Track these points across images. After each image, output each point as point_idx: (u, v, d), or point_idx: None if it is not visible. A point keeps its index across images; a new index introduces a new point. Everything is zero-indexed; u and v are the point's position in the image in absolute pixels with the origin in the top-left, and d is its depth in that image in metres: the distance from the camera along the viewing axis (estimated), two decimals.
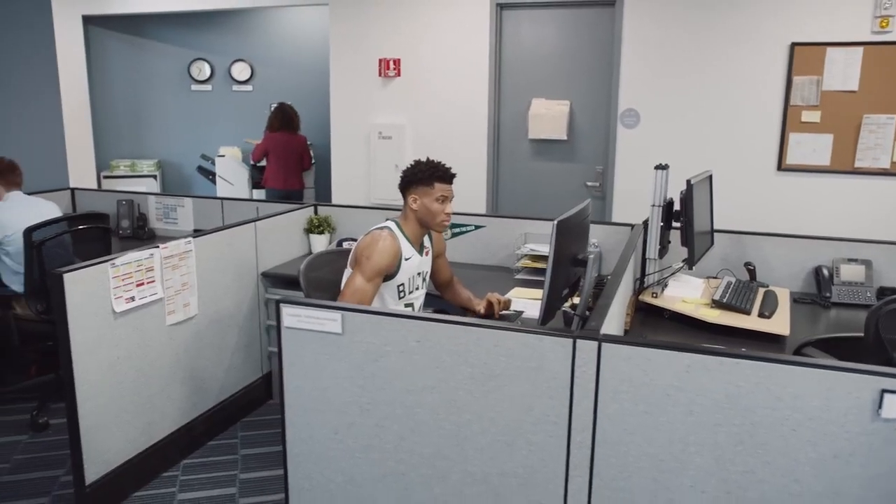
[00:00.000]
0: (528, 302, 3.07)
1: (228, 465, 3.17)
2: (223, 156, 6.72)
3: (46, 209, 3.66)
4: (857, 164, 4.48)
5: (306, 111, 7.19)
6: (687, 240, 2.81)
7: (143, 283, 2.87)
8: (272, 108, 5.83)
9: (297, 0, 5.77)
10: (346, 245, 3.95)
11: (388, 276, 2.68)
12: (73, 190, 4.78)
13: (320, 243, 4.01)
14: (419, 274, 2.82)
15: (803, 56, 4.47)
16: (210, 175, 6.55)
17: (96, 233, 3.67)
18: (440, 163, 2.78)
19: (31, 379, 3.83)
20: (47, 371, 3.81)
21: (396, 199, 5.34)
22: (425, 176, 2.73)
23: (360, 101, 5.56)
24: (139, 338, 2.89)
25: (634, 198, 4.89)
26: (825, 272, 3.20)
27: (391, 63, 5.41)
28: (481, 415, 2.02)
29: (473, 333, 1.98)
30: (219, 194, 6.36)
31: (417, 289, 2.83)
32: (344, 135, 5.67)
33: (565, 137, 5.10)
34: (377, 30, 5.41)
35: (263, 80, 7.14)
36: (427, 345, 2.03)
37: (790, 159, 4.60)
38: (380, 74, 5.46)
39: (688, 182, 2.80)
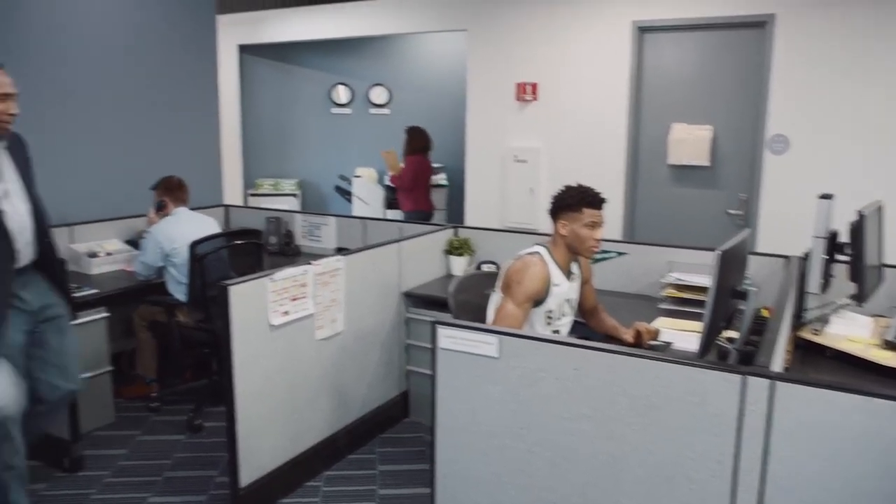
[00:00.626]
0: (675, 333, 2.97)
1: (368, 479, 3.24)
2: (360, 176, 6.98)
3: (208, 224, 3.92)
4: None
5: (440, 134, 7.35)
6: (856, 274, 2.63)
7: (296, 298, 3.00)
8: (408, 131, 5.97)
9: (435, 27, 5.92)
10: (485, 268, 3.99)
11: (538, 301, 2.67)
12: (226, 207, 5.11)
13: (460, 265, 4.06)
14: (567, 300, 2.79)
15: None
16: (347, 195, 6.81)
17: (250, 248, 3.89)
18: (590, 188, 2.75)
19: (187, 383, 4.08)
20: (202, 376, 4.05)
21: (530, 222, 5.39)
22: (575, 201, 2.71)
23: (496, 124, 5.62)
24: (291, 351, 3.02)
25: (782, 227, 4.65)
26: None
27: (528, 87, 5.44)
28: (639, 447, 1.96)
29: (634, 363, 1.94)
30: (354, 213, 6.59)
31: (565, 315, 2.80)
32: (479, 158, 5.75)
33: (707, 163, 4.93)
34: (515, 54, 5.46)
35: (400, 104, 7.37)
36: (585, 372, 2.00)
37: None
38: (517, 98, 5.50)
39: (859, 213, 2.62)
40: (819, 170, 4.54)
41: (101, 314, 3.58)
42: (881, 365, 2.53)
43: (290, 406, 3.05)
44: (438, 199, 6.97)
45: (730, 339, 2.55)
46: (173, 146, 4.83)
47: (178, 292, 3.74)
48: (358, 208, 6.78)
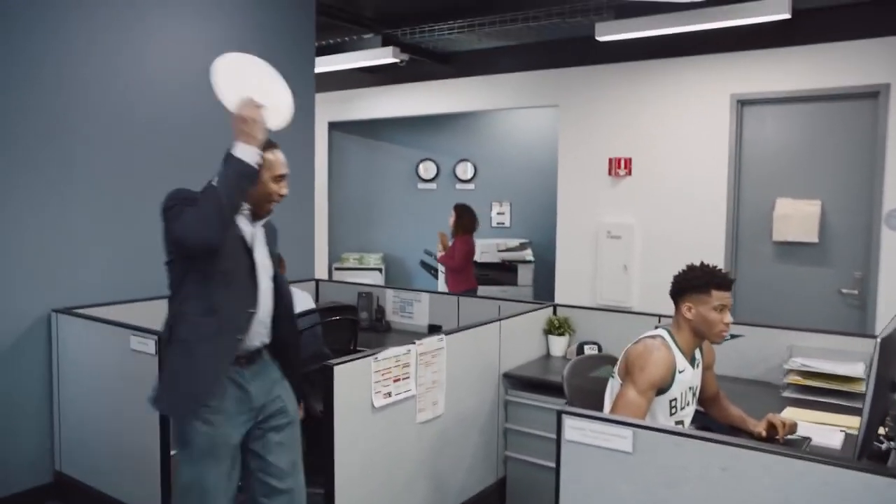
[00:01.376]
0: (810, 426, 2.70)
1: None
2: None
3: (302, 299, 3.88)
4: None
5: (526, 208, 7.31)
6: None
7: (398, 379, 2.89)
8: (457, 209, 5.69)
9: (527, 102, 5.93)
10: (587, 349, 3.80)
11: (661, 389, 2.47)
12: (316, 281, 5.11)
13: (560, 346, 3.89)
14: (690, 388, 2.58)
15: None
16: (432, 270, 6.76)
17: (345, 324, 3.83)
18: (717, 268, 2.57)
19: None
20: None
21: (624, 300, 5.18)
22: (701, 283, 2.52)
23: (588, 199, 5.52)
24: (391, 433, 2.89)
25: None
26: None
27: (622, 162, 5.34)
28: None
29: (796, 466, 1.72)
30: (439, 289, 6.52)
31: (689, 404, 2.59)
32: (570, 233, 5.63)
33: (816, 240, 4.67)
34: (607, 129, 5.40)
35: (485, 179, 7.37)
36: (735, 473, 1.79)
37: None
38: (609, 173, 5.41)
39: None
40: None
41: None
42: None
43: (388, 490, 2.89)
44: (524, 275, 6.86)
45: (887, 436, 2.29)
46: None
47: None
48: (443, 285, 6.71)
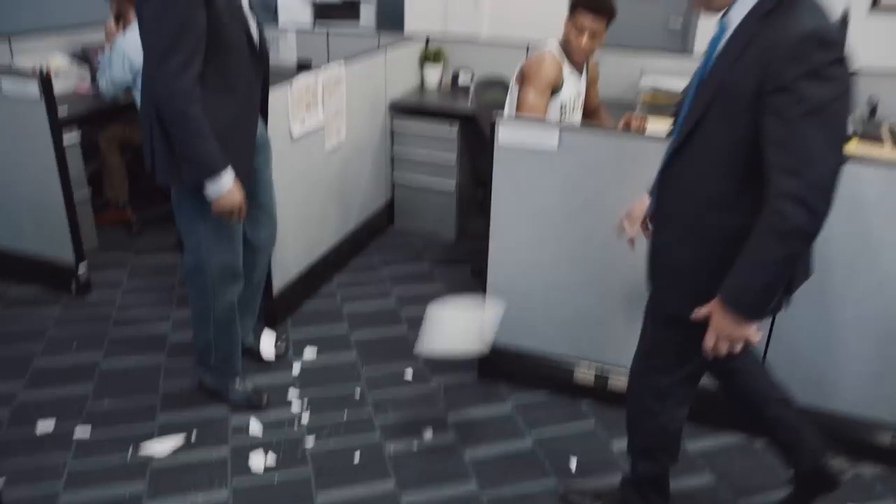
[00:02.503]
0: (659, 126, 3.23)
1: (377, 280, 3.45)
2: None
3: None
4: None
5: None
6: None
7: (309, 108, 2.99)
8: None
9: None
10: (461, 78, 4.04)
11: (554, 90, 2.81)
12: None
13: (434, 75, 4.09)
14: (578, 95, 2.95)
15: None
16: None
17: None
18: None
19: (161, 203, 4.00)
20: None
21: (474, 33, 5.35)
22: (573, 3, 2.74)
23: None
24: (307, 162, 3.05)
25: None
26: None
27: None
28: None
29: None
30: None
31: (575, 110, 2.97)
32: None
33: None
34: None
35: None
36: (639, 162, 2.21)
37: None
38: None
39: (844, 17, 2.89)
40: None
41: (74, 136, 3.40)
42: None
43: (305, 216, 3.13)
44: (367, 14, 6.73)
45: None
46: None
47: None
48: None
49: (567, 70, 2.85)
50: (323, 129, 3.12)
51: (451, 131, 3.67)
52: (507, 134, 2.34)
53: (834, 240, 2.08)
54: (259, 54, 2.19)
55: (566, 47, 2.84)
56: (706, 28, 4.87)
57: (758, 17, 1.44)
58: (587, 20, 2.70)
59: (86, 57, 4.02)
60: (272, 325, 2.95)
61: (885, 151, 2.94)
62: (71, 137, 3.36)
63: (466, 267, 3.58)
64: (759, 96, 1.40)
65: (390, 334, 3.02)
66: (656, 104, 3.62)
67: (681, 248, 1.63)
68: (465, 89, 4.00)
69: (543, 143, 2.31)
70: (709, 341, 1.55)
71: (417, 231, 3.97)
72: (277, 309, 3.02)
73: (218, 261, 2.28)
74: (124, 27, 3.56)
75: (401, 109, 3.79)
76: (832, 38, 1.35)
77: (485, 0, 5.42)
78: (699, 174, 1.56)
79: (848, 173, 1.82)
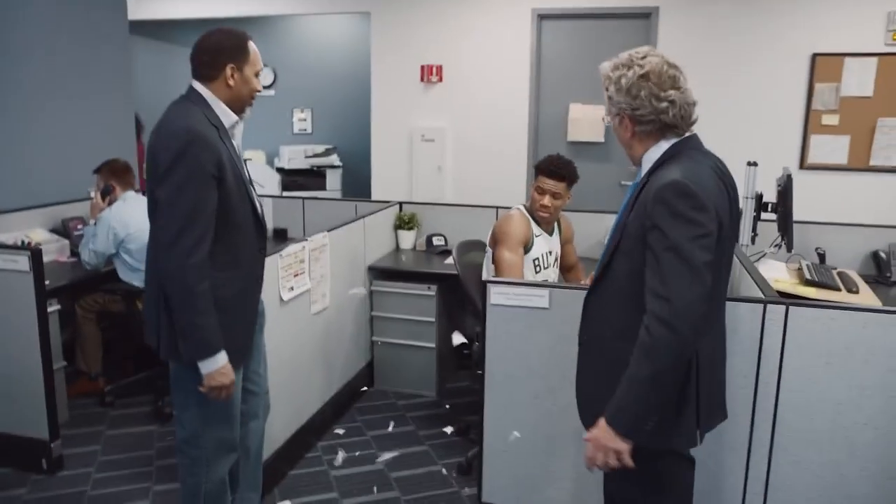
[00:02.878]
0: None
1: (363, 445, 3.39)
2: (249, 159, 6.85)
3: None
4: (872, 163, 5.01)
5: (331, 115, 7.42)
6: (785, 226, 3.20)
7: (297, 274, 3.08)
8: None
9: (337, 8, 5.97)
10: (435, 241, 4.22)
11: (526, 248, 3.00)
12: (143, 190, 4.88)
13: (409, 239, 4.27)
14: (550, 252, 3.13)
15: (823, 65, 4.97)
16: None
17: None
18: (555, 158, 3.10)
19: (134, 374, 3.93)
20: (144, 366, 3.90)
21: (439, 198, 5.65)
22: (537, 167, 3.11)
23: (401, 105, 5.81)
24: (293, 325, 3.09)
25: None
26: (883, 255, 3.65)
27: (434, 69, 5.69)
28: None
29: None
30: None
31: (550, 266, 3.13)
32: (385, 137, 5.91)
33: (602, 140, 5.49)
34: (420, 37, 5.68)
35: (286, 85, 7.30)
36: None
37: (811, 158, 5.09)
38: (422, 80, 5.73)
39: (788, 176, 3.19)
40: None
41: (54, 307, 3.39)
42: (809, 298, 3.12)
43: (292, 380, 3.11)
44: (333, 180, 7.06)
45: None
46: (88, 129, 4.55)
47: (135, 279, 3.61)
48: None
49: (535, 229, 3.07)
50: (309, 293, 3.19)
51: (430, 290, 3.78)
52: (500, 296, 2.45)
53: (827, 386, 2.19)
54: (263, 229, 2.29)
55: (532, 208, 3.09)
56: None
57: (651, 171, 1.70)
58: (547, 183, 3.02)
59: (65, 230, 4.09)
60: (261, 497, 2.84)
61: (841, 296, 3.14)
62: (51, 308, 3.34)
63: (451, 426, 3.55)
64: (643, 234, 1.63)
65: (382, 500, 2.93)
66: None
67: (592, 374, 1.81)
68: (441, 251, 4.17)
69: (535, 303, 2.42)
70: (588, 452, 1.69)
71: (398, 390, 3.96)
72: (264, 479, 2.91)
73: (215, 435, 2.23)
74: (111, 203, 3.68)
75: (380, 272, 3.92)
76: (690, 189, 1.57)
77: (447, 167, 5.79)
78: (607, 305, 1.76)
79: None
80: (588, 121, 5.48)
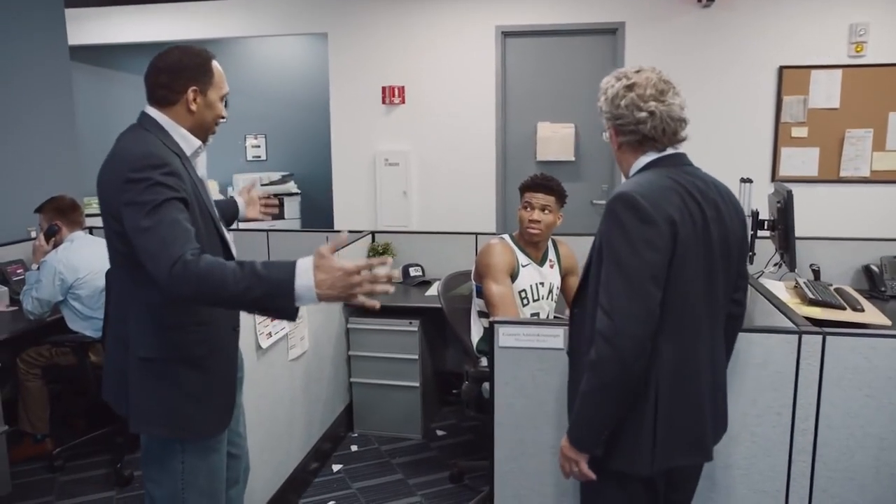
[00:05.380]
0: None
1: (350, 500, 3.10)
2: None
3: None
4: (842, 174, 4.99)
5: (286, 141, 7.13)
6: (788, 244, 3.07)
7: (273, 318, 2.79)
8: None
9: (293, 30, 5.71)
10: (412, 271, 3.98)
11: (512, 277, 2.79)
12: (91, 229, 4.50)
13: (381, 270, 4.00)
14: (542, 283, 2.91)
15: (791, 78, 4.95)
16: None
17: None
18: (540, 174, 2.93)
19: (87, 433, 3.54)
20: (97, 423, 3.54)
21: (405, 224, 5.42)
22: (521, 185, 2.93)
23: (363, 128, 5.57)
24: (272, 374, 2.81)
25: None
26: (875, 269, 3.57)
27: (396, 90, 5.47)
28: None
29: None
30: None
31: (543, 299, 2.92)
32: (346, 162, 5.66)
33: (572, 158, 5.35)
34: (380, 58, 5.47)
35: (238, 111, 6.96)
36: None
37: (782, 171, 5.05)
38: (384, 102, 5.51)
39: (789, 192, 3.07)
40: None
41: None
42: (817, 319, 2.99)
43: (271, 436, 2.83)
44: (291, 208, 6.75)
45: None
46: (27, 162, 4.18)
47: (87, 329, 3.27)
48: None
49: (522, 258, 2.86)
50: (287, 338, 2.91)
51: (412, 326, 3.53)
52: (509, 338, 2.22)
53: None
54: None
55: (521, 235, 2.88)
56: None
57: None
58: (535, 197, 2.85)
59: (3, 275, 3.71)
60: None
61: (847, 315, 3.01)
62: None
63: (442, 472, 3.30)
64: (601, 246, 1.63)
65: None
66: None
67: (573, 385, 1.78)
68: (419, 282, 3.93)
69: (548, 344, 2.20)
70: (560, 459, 1.76)
71: (380, 434, 3.68)
72: None
73: None
74: (56, 245, 3.33)
75: (356, 309, 3.64)
76: (637, 202, 1.57)
77: (413, 192, 5.57)
78: (583, 315, 1.74)
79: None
80: (557, 139, 5.34)
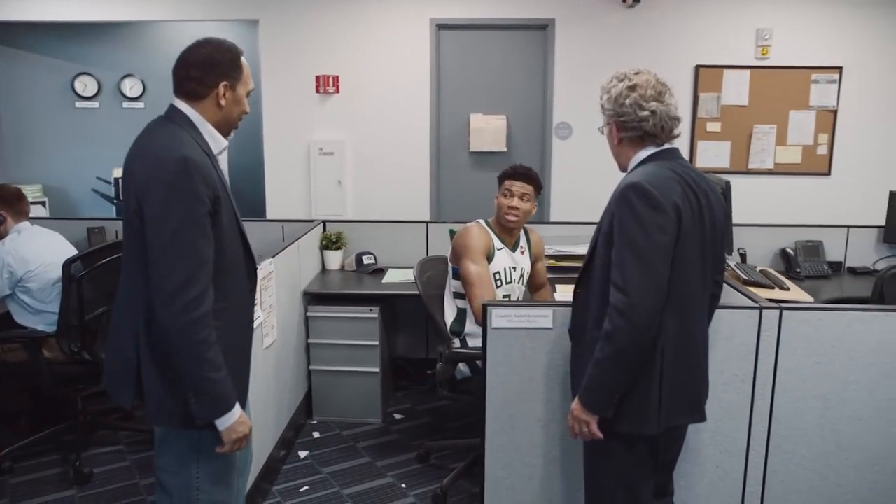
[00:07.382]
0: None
1: (322, 484, 3.16)
2: (120, 178, 6.23)
3: (61, 240, 3.33)
4: (750, 166, 5.44)
5: None
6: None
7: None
8: None
9: (220, 15, 5.57)
10: (365, 259, 4.04)
11: (488, 258, 2.94)
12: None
13: (335, 259, 4.05)
14: (514, 268, 3.07)
15: (706, 76, 5.34)
16: (115, 199, 6.04)
17: (117, 264, 3.39)
18: (517, 164, 3.08)
19: (34, 432, 3.41)
20: (44, 422, 3.42)
21: (341, 213, 5.45)
22: (500, 175, 3.07)
23: (296, 117, 5.53)
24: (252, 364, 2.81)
25: (570, 201, 5.45)
26: (791, 252, 3.95)
27: (330, 79, 5.47)
28: None
29: None
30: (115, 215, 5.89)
31: (514, 282, 3.07)
32: (280, 152, 5.60)
33: (504, 149, 5.53)
34: (314, 46, 5.44)
35: (158, 97, 6.70)
36: None
37: (699, 163, 5.44)
38: (317, 91, 5.49)
39: (727, 183, 3.36)
40: (596, 152, 5.41)
41: None
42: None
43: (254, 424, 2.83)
44: None
45: None
46: None
47: (38, 323, 3.14)
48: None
49: (497, 242, 3.01)
50: (261, 326, 2.92)
51: (372, 313, 3.60)
52: (502, 319, 2.35)
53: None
54: (254, 266, 2.05)
55: (497, 221, 3.03)
56: None
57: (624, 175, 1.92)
58: (515, 185, 2.98)
59: None
60: None
61: (776, 294, 3.35)
62: None
63: (407, 454, 3.40)
64: (611, 230, 1.82)
65: None
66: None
67: (577, 359, 1.97)
68: (373, 269, 4.00)
69: (538, 324, 2.35)
70: (569, 422, 1.92)
71: (341, 420, 3.74)
72: None
73: (211, 500, 1.97)
74: (1, 236, 3.18)
75: (314, 297, 3.68)
76: (648, 190, 1.76)
77: (348, 182, 5.60)
78: (588, 296, 1.93)
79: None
80: (490, 130, 5.51)
